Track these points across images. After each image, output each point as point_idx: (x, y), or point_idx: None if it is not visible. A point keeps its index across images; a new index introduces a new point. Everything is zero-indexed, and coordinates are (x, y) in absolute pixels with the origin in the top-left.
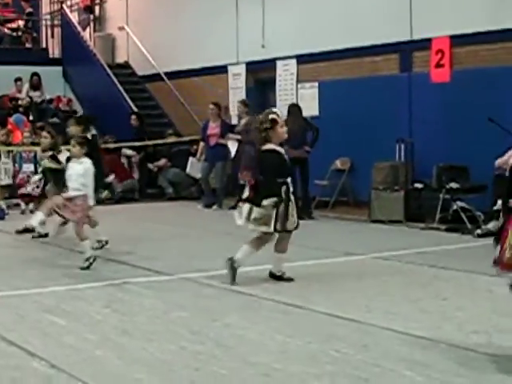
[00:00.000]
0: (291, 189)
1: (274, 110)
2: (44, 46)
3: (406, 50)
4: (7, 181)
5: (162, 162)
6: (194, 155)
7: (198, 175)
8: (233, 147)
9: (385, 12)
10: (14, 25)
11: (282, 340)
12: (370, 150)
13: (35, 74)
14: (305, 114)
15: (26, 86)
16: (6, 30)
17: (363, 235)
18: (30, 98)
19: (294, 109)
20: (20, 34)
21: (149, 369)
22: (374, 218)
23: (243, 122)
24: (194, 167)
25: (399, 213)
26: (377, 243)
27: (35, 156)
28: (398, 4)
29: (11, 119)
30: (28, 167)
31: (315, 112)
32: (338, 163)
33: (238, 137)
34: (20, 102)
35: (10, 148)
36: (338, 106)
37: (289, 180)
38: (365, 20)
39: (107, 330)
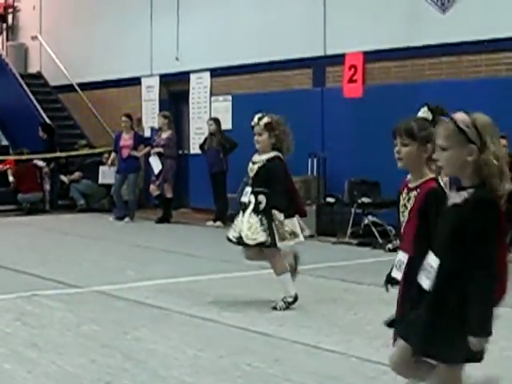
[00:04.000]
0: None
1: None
2: None
3: (319, 64)
4: None
5: (76, 175)
6: (103, 164)
7: (112, 180)
8: (154, 161)
9: (298, 27)
10: None
11: (194, 354)
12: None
13: None
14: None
15: None
16: None
17: None
18: None
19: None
20: None
21: (59, 383)
22: None
23: (165, 135)
24: (106, 175)
25: (311, 227)
26: None
27: None
28: (312, 19)
29: None
30: None
31: (228, 125)
32: None
33: (160, 150)
34: None
35: None
36: (251, 120)
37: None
38: (278, 34)
39: (17, 343)
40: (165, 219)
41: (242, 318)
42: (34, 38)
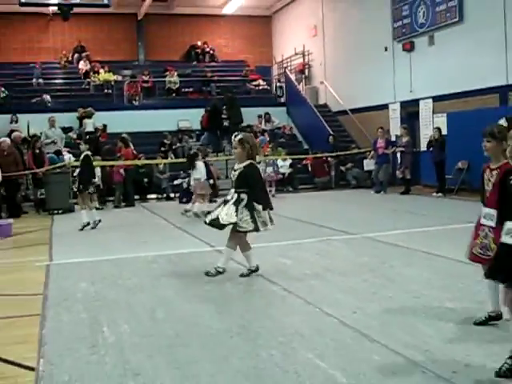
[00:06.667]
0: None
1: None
2: (275, 94)
3: (504, 90)
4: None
5: (349, 165)
6: (367, 159)
7: (371, 168)
8: (398, 156)
9: (486, 64)
10: (256, 82)
11: (427, 276)
12: (481, 156)
13: (267, 113)
14: (438, 133)
15: (262, 120)
16: (251, 86)
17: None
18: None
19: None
20: (260, 88)
21: (343, 293)
22: None
23: (405, 140)
24: (368, 165)
25: None
26: None
27: (274, 162)
28: (493, 56)
29: (258, 140)
30: (270, 169)
31: (445, 132)
32: (459, 164)
33: (402, 149)
34: (257, 129)
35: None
36: (458, 128)
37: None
38: (476, 69)
39: (318, 268)
40: (406, 192)
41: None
42: (321, 82)
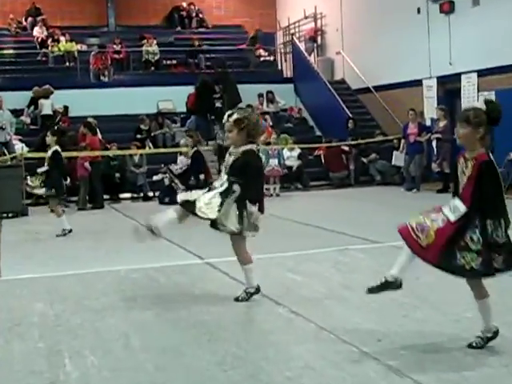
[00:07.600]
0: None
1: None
2: (279, 68)
3: None
4: None
5: (372, 156)
6: (397, 149)
7: (402, 163)
8: (433, 144)
9: None
10: (256, 53)
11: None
12: None
13: (269, 91)
14: None
15: (263, 100)
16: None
17: None
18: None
19: None
20: (261, 60)
21: (365, 316)
22: None
23: (442, 124)
24: (398, 158)
25: None
26: None
27: (278, 152)
28: None
29: None
30: (273, 161)
31: None
32: (511, 154)
33: (439, 135)
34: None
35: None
36: (510, 109)
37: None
38: None
39: (333, 285)
40: (444, 189)
41: None
42: (338, 53)
